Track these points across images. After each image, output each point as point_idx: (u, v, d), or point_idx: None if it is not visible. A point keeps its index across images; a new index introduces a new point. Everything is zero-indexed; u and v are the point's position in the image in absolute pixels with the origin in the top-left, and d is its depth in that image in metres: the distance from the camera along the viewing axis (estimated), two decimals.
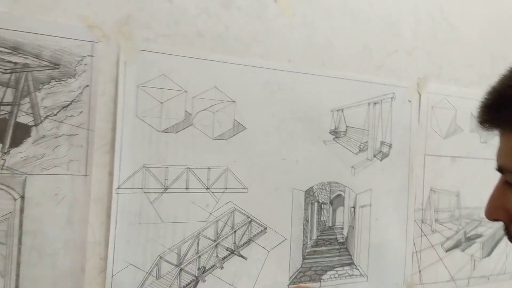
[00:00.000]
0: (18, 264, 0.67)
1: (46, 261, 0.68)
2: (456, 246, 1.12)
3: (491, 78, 1.18)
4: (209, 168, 0.81)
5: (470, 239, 1.14)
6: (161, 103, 0.77)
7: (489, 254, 1.18)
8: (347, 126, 0.96)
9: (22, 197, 0.67)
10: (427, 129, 1.08)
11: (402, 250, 1.04)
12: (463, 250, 1.13)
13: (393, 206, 1.02)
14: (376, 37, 1.00)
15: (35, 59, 0.67)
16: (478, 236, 1.16)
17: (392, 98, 1.02)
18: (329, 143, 0.94)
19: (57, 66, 0.69)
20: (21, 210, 0.67)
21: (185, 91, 0.79)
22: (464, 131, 1.13)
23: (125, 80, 0.74)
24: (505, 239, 0.64)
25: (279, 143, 0.88)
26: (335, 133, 0.95)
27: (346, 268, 0.96)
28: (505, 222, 0.59)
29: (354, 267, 0.97)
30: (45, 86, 0.68)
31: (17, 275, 0.67)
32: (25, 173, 0.67)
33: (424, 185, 1.07)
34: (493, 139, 1.17)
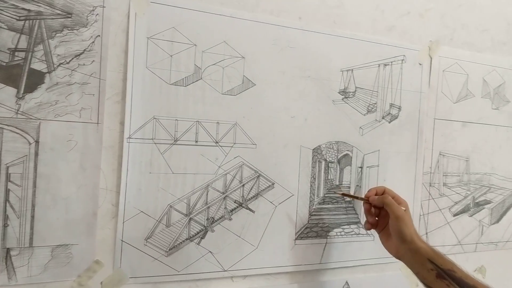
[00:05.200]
0: (33, 206, 0.69)
1: (59, 205, 0.71)
2: (464, 211, 1.12)
3: (506, 44, 1.17)
4: (218, 123, 0.83)
5: (478, 205, 1.14)
6: (171, 56, 0.78)
7: (498, 221, 1.17)
8: (356, 87, 0.96)
9: (37, 142, 0.69)
10: (437, 93, 1.07)
11: None
12: (471, 215, 1.13)
13: (401, 168, 1.02)
14: None
15: (47, 7, 0.69)
16: (487, 202, 1.15)
17: (402, 60, 1.01)
18: (338, 103, 0.94)
19: (69, 15, 0.70)
20: (36, 154, 0.69)
21: (195, 44, 0.80)
22: (475, 96, 1.12)
23: (135, 32, 0.75)
24: None
25: (288, 100, 0.89)
26: (344, 93, 0.95)
27: (352, 226, 0.96)
28: None
29: (361, 226, 0.97)
30: (58, 34, 0.70)
31: (32, 217, 0.69)
32: (39, 119, 0.69)
33: (433, 149, 1.07)
34: (505, 106, 1.16)
